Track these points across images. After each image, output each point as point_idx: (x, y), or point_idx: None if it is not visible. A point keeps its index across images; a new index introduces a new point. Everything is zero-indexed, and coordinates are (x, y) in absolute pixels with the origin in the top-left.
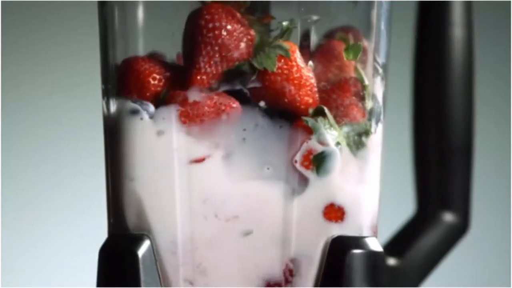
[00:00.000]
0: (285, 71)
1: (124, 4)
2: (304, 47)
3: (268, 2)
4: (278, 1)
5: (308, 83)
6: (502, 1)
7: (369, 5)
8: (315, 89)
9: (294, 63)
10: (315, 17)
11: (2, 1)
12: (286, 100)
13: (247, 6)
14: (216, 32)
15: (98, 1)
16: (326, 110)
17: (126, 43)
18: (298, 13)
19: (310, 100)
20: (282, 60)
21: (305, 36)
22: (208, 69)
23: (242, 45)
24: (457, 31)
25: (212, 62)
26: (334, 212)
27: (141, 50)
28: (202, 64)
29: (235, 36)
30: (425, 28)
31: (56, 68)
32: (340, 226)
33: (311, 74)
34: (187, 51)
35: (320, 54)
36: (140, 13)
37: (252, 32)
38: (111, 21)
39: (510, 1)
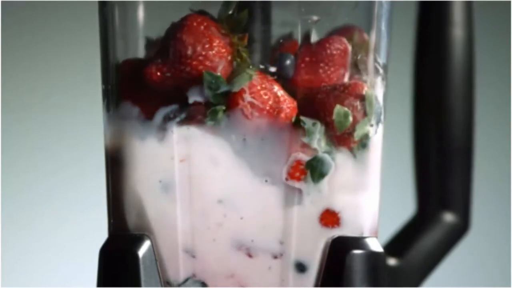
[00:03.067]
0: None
1: (124, 4)
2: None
3: (268, 2)
4: (278, 1)
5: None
6: (502, 1)
7: (370, 5)
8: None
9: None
10: (315, 18)
11: (2, 1)
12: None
13: (231, 25)
14: (178, 34)
15: (98, 1)
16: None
17: (126, 43)
18: (299, 13)
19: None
20: None
21: (306, 37)
22: (159, 61)
23: (199, 49)
24: (457, 31)
25: (166, 59)
26: (330, 218)
27: (141, 50)
28: (157, 56)
29: (194, 44)
30: (425, 28)
31: (56, 68)
32: (337, 230)
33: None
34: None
35: (317, 52)
36: (140, 13)
37: (223, 50)
38: (111, 21)
39: (510, 1)
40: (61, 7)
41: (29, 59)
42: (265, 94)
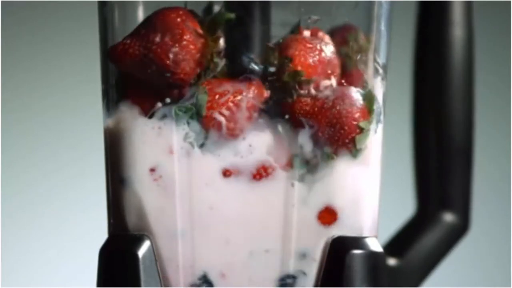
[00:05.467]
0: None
1: (124, 4)
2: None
3: (268, 2)
4: (278, 1)
5: None
6: (502, 1)
7: (370, 5)
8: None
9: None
10: (315, 18)
11: (2, 1)
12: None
13: (209, 25)
14: (153, 20)
15: (98, 1)
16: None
17: None
18: (298, 13)
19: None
20: None
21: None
22: (128, 41)
23: (167, 39)
24: (457, 31)
25: (135, 41)
26: (328, 216)
27: None
28: (128, 37)
29: (164, 32)
30: (425, 28)
31: (56, 68)
32: (336, 230)
33: None
34: None
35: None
36: (140, 13)
37: (192, 47)
38: (111, 21)
39: (510, 1)
40: (61, 7)
41: (29, 59)
42: (227, 101)
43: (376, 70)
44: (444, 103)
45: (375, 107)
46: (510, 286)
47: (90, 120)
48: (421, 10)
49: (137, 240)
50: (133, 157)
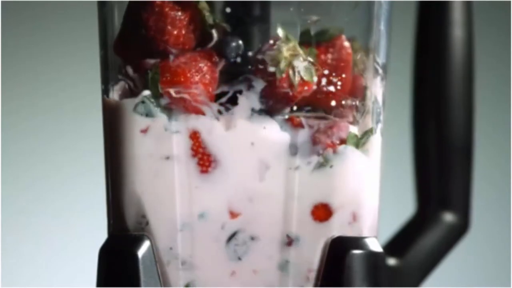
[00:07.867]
0: None
1: (124, 4)
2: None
3: (269, 2)
4: (278, 1)
5: None
6: (502, 1)
7: (369, 5)
8: None
9: None
10: (315, 18)
11: (2, 1)
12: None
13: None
14: (131, 6)
15: (98, 1)
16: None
17: None
18: (298, 13)
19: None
20: None
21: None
22: (123, 34)
23: (145, 15)
24: (457, 31)
25: (127, 32)
26: (322, 212)
27: None
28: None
29: (142, 11)
30: (425, 28)
31: (56, 68)
32: (330, 226)
33: None
34: None
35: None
36: None
37: (173, 12)
38: (111, 21)
39: (510, 1)
40: (61, 7)
41: (29, 59)
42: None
43: (376, 70)
44: (444, 103)
45: (375, 106)
46: (510, 286)
47: (90, 120)
48: (421, 10)
49: (137, 240)
50: (133, 157)
